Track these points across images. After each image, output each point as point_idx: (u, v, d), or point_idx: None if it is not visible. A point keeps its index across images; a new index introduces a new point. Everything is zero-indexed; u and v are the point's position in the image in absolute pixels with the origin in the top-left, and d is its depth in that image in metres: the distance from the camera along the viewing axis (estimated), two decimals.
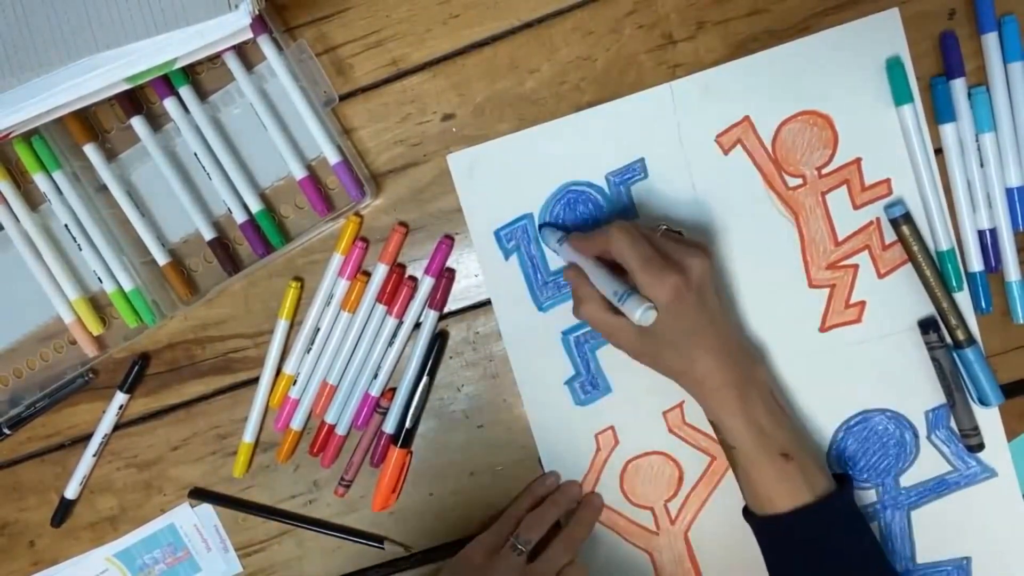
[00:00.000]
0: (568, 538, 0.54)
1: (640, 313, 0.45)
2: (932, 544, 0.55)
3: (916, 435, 0.54)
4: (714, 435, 0.55)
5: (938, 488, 0.55)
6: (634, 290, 0.46)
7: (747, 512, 0.51)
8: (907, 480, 0.55)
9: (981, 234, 0.52)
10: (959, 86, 0.51)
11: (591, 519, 0.56)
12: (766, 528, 0.49)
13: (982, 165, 0.51)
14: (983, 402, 0.52)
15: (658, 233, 0.49)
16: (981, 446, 0.53)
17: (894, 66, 0.51)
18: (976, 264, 0.52)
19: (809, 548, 0.47)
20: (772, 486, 0.47)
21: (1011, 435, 0.54)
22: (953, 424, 0.54)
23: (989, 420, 0.53)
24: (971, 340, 0.52)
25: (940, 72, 0.52)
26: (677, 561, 0.57)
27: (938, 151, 0.52)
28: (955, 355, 0.52)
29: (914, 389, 0.54)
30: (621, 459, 0.57)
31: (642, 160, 0.54)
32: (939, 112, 0.51)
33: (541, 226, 0.55)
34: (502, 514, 0.56)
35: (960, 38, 0.51)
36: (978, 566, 0.55)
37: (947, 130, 0.51)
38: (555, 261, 0.56)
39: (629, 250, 0.47)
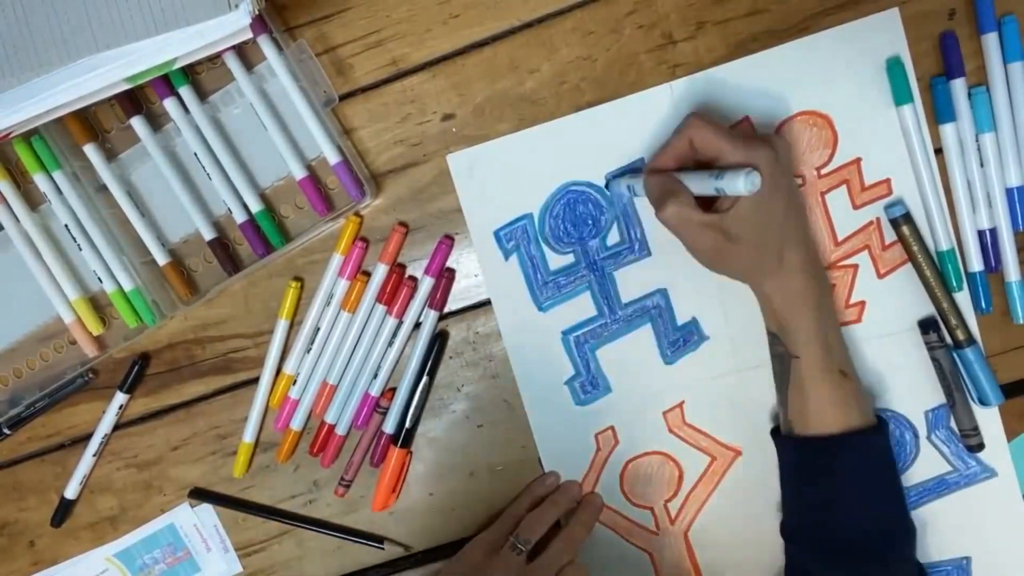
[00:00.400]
0: (568, 538, 0.54)
1: (744, 178, 0.42)
2: (932, 544, 0.55)
3: (916, 435, 0.54)
4: (713, 435, 0.55)
5: (938, 488, 0.55)
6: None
7: (777, 433, 0.51)
8: (907, 480, 0.55)
9: (981, 234, 0.52)
10: (959, 86, 0.51)
11: (591, 519, 0.56)
12: (809, 446, 0.48)
13: (982, 165, 0.51)
14: (983, 402, 0.52)
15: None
16: (981, 446, 0.53)
17: (894, 66, 0.51)
18: (976, 264, 0.52)
19: (852, 471, 0.47)
20: (826, 404, 0.47)
21: (1011, 435, 0.54)
22: (953, 424, 0.54)
23: (989, 420, 0.53)
24: (971, 340, 0.52)
25: (940, 72, 0.52)
26: (677, 561, 0.57)
27: (938, 151, 0.52)
28: (955, 355, 0.52)
29: (914, 389, 0.54)
30: (621, 459, 0.57)
31: (642, 160, 0.54)
32: (939, 112, 0.51)
33: (608, 183, 0.54)
34: (502, 513, 0.56)
35: (960, 38, 0.51)
36: (978, 566, 0.55)
37: (947, 130, 0.51)
38: (555, 261, 0.56)
39: (713, 130, 0.46)
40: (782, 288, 0.47)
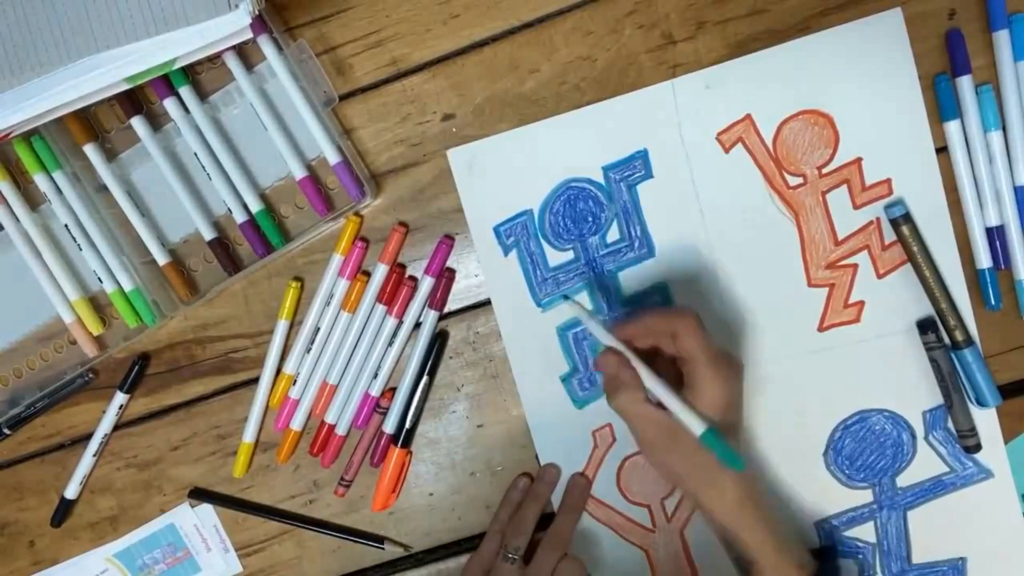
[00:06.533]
0: (556, 533, 0.54)
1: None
2: (928, 544, 0.55)
3: (913, 435, 0.55)
4: None
5: (935, 489, 0.55)
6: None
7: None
8: (904, 480, 0.55)
9: (989, 232, 0.52)
10: (966, 83, 0.51)
11: (578, 502, 0.56)
12: None
13: (991, 162, 0.51)
14: (981, 403, 0.52)
15: None
16: (978, 447, 0.53)
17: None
18: (984, 261, 0.52)
19: None
20: None
21: (1010, 436, 0.54)
22: (950, 425, 0.54)
23: (986, 421, 0.53)
24: (969, 341, 0.52)
25: (940, 71, 0.52)
26: (673, 558, 0.57)
27: (941, 149, 0.52)
28: (953, 356, 0.52)
29: (912, 389, 0.54)
30: (618, 456, 0.57)
31: (643, 158, 0.54)
32: (943, 109, 0.51)
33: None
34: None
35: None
36: (974, 567, 0.55)
37: (951, 127, 0.51)
38: (554, 257, 0.56)
39: (701, 342, 0.46)
40: (719, 500, 0.47)
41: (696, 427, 0.44)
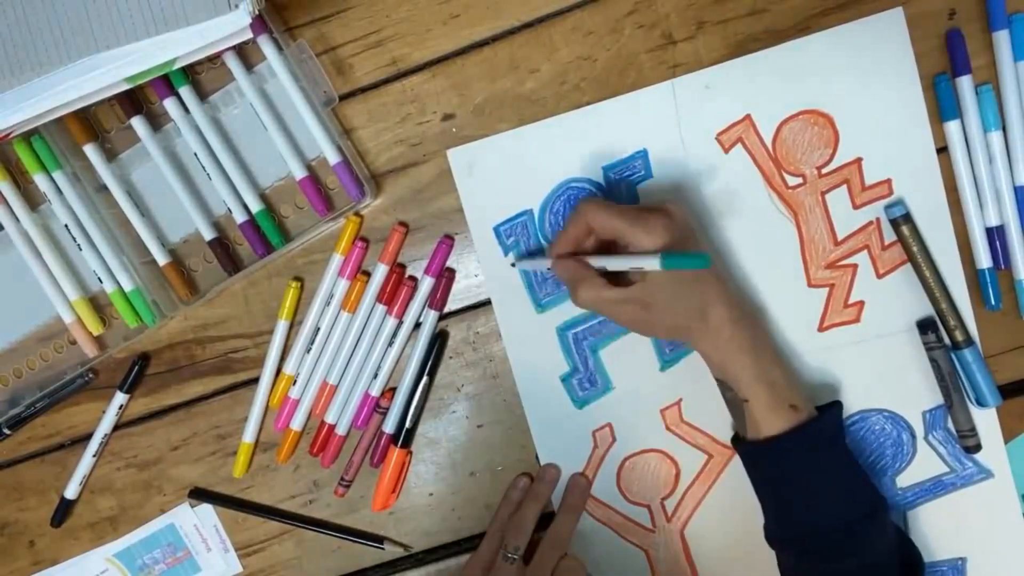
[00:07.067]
0: (556, 532, 0.54)
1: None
2: (928, 544, 0.55)
3: (913, 435, 0.55)
4: (710, 433, 0.56)
5: (935, 489, 0.55)
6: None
7: (736, 438, 0.53)
8: (904, 480, 0.55)
9: (989, 232, 0.52)
10: (966, 83, 0.51)
11: (578, 502, 0.56)
12: (757, 451, 0.50)
13: (991, 162, 0.51)
14: (980, 403, 0.52)
15: None
16: (978, 447, 0.53)
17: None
18: (984, 261, 0.52)
19: (795, 468, 0.48)
20: (778, 430, 0.48)
21: (1010, 435, 0.54)
22: (950, 425, 0.54)
23: (986, 421, 0.54)
24: (969, 341, 0.52)
25: (940, 71, 0.52)
26: (673, 558, 0.57)
27: (941, 149, 0.52)
28: (953, 356, 0.52)
29: (912, 389, 0.54)
30: (618, 456, 0.57)
31: (643, 158, 0.54)
32: (943, 110, 0.51)
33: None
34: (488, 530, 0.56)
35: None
36: (974, 566, 0.55)
37: (951, 127, 0.51)
38: None
39: (607, 212, 0.47)
40: (714, 342, 0.48)
41: (652, 262, 0.44)
